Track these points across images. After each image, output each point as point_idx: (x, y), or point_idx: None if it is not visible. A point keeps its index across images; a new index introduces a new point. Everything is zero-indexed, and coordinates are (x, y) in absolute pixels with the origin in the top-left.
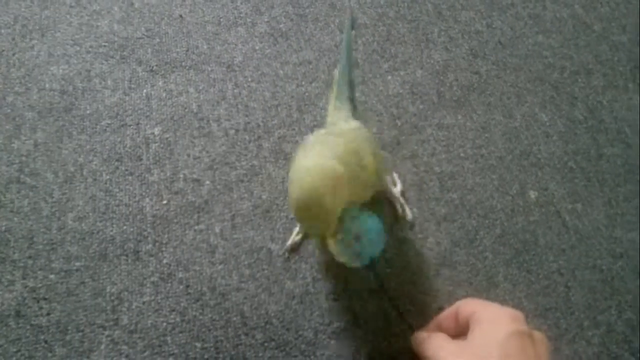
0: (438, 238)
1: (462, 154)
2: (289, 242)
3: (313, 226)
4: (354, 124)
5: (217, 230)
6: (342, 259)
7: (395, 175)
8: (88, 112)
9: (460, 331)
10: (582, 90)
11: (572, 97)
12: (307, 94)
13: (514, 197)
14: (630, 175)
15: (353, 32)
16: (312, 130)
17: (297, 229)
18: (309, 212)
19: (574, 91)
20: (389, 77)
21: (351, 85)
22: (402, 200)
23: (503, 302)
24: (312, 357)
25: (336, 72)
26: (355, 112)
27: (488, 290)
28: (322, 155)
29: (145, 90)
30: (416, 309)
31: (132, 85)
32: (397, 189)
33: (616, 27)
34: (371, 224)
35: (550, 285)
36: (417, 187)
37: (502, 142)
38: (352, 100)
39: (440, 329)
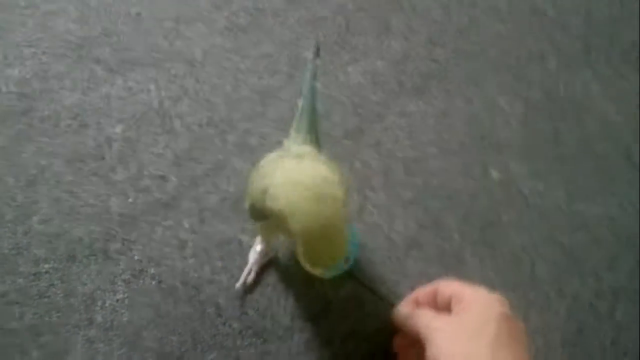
0: (405, 221)
1: (424, 140)
2: (242, 280)
3: (326, 252)
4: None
5: (186, 225)
6: (321, 273)
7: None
8: (47, 113)
9: (438, 309)
10: (537, 74)
11: (529, 80)
12: (269, 86)
13: (476, 179)
14: (587, 153)
15: (318, 60)
16: (275, 123)
17: (250, 262)
18: (331, 238)
19: (530, 75)
20: (350, 68)
21: (313, 120)
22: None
23: (472, 278)
24: (289, 341)
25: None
26: (316, 147)
27: (457, 268)
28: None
29: (104, 90)
30: (388, 290)
31: (91, 85)
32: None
33: (569, 11)
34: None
35: (515, 260)
36: (383, 174)
37: (462, 127)
38: (313, 134)
39: (417, 305)
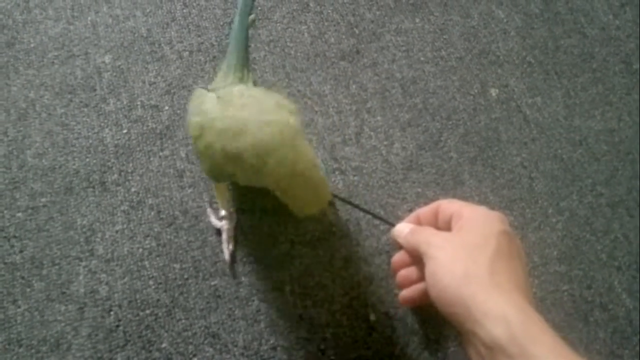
0: (403, 143)
1: (422, 58)
2: (227, 255)
3: (308, 195)
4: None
5: (182, 154)
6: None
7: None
8: (32, 45)
9: (439, 228)
10: None
11: None
12: (260, 8)
13: (475, 96)
14: (587, 65)
15: None
16: (268, 46)
17: (224, 237)
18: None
19: None
20: None
21: (244, 54)
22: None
23: (470, 198)
24: (289, 267)
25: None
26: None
27: (455, 189)
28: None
29: (89, 18)
30: (386, 212)
31: (75, 14)
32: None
33: None
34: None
35: (514, 178)
36: (380, 95)
37: (460, 43)
38: (246, 69)
39: (418, 223)
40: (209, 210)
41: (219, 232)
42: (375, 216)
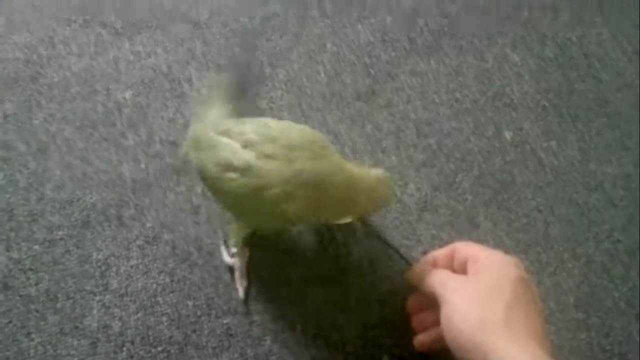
0: (418, 184)
1: (436, 100)
2: (242, 292)
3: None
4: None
5: (198, 190)
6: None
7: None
8: (55, 80)
9: (455, 271)
10: (551, 28)
11: (542, 35)
12: (277, 47)
13: (489, 139)
14: (602, 110)
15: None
16: (285, 85)
17: (237, 275)
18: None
19: (543, 29)
20: (359, 26)
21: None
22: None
23: (485, 241)
24: (303, 305)
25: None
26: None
27: (470, 231)
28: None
29: (112, 54)
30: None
31: (98, 50)
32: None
33: None
34: None
35: (529, 222)
36: (394, 135)
37: (475, 85)
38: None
39: (434, 266)
40: (222, 247)
41: (231, 269)
42: (396, 251)
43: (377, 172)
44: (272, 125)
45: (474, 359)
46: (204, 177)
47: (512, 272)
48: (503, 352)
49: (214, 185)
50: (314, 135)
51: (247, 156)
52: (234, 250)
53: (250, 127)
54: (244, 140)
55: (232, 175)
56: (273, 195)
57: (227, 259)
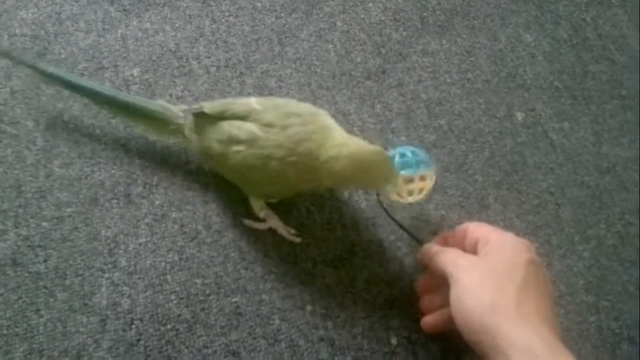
0: None
1: (448, 80)
2: (297, 239)
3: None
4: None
5: (207, 169)
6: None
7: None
8: (63, 56)
9: (466, 251)
10: (565, 8)
11: (556, 15)
12: (287, 25)
13: (501, 120)
14: (615, 91)
15: None
16: (295, 64)
17: (281, 231)
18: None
19: (557, 9)
20: (370, 4)
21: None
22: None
23: (495, 222)
24: (311, 286)
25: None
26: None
27: (480, 213)
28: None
29: (120, 31)
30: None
31: (106, 26)
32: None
33: None
34: None
35: (540, 203)
36: (405, 116)
37: (487, 65)
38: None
39: (445, 245)
40: (246, 221)
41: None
42: (407, 231)
43: (361, 146)
44: (277, 98)
45: (483, 341)
46: (210, 156)
47: (523, 254)
48: (513, 335)
49: (220, 162)
50: (318, 111)
51: (251, 127)
52: (261, 214)
53: (255, 98)
54: (247, 110)
55: (239, 147)
56: (276, 163)
57: (260, 225)
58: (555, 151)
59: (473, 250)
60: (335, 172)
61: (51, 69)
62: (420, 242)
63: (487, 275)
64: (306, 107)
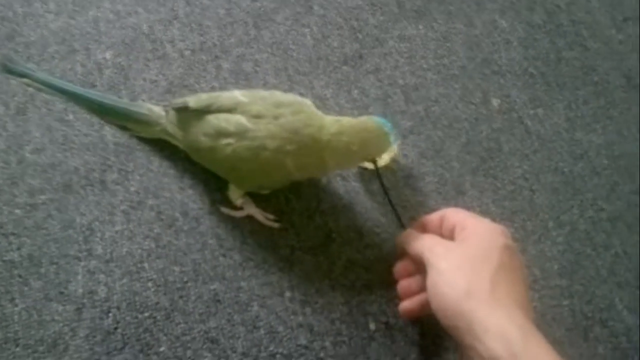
0: (405, 151)
1: (424, 65)
2: (276, 224)
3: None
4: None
5: (183, 155)
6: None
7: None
8: (33, 39)
9: (443, 236)
10: None
11: (531, 1)
12: (262, 8)
13: (477, 106)
14: (588, 78)
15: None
16: (271, 48)
17: (260, 217)
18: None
19: None
20: None
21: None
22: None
23: (471, 208)
24: (289, 273)
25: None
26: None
27: (456, 198)
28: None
29: (91, 13)
30: (387, 220)
31: (77, 8)
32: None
33: None
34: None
35: (515, 189)
36: (382, 102)
37: (463, 51)
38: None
39: (424, 231)
40: (224, 209)
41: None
42: (396, 213)
43: (357, 119)
44: (261, 90)
45: (459, 326)
46: (197, 150)
47: (498, 240)
48: (487, 320)
49: (207, 155)
50: (302, 99)
51: (240, 119)
52: (239, 202)
53: (239, 91)
54: (233, 103)
55: (228, 140)
56: (269, 153)
57: (238, 213)
58: (530, 137)
59: (450, 235)
60: (341, 148)
61: (38, 73)
62: (403, 225)
63: (462, 260)
64: (292, 97)
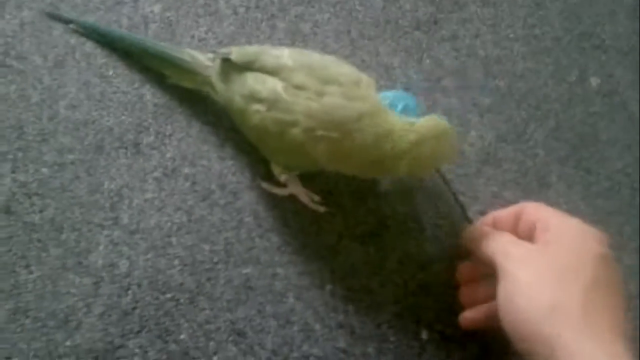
0: (481, 132)
1: (511, 35)
2: (321, 208)
3: None
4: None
5: (226, 123)
6: None
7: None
8: None
9: (519, 237)
10: None
11: None
12: None
13: (572, 85)
14: None
15: None
16: (334, 8)
17: (304, 199)
18: None
19: None
20: None
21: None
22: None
23: (556, 205)
24: (333, 263)
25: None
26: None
27: (539, 192)
28: None
29: None
30: (452, 211)
31: None
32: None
33: None
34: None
35: (612, 186)
36: (458, 74)
37: (559, 21)
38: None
39: (495, 227)
40: (264, 184)
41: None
42: (460, 204)
43: (431, 122)
44: (314, 55)
45: (537, 350)
46: (230, 110)
47: (592, 247)
48: (576, 346)
49: (239, 119)
50: (360, 77)
51: (276, 86)
52: (282, 178)
53: (288, 51)
54: (277, 65)
55: (258, 107)
56: (297, 133)
57: (281, 190)
58: (634, 125)
59: (528, 236)
60: (422, 159)
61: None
62: (470, 220)
63: (546, 270)
64: (348, 73)
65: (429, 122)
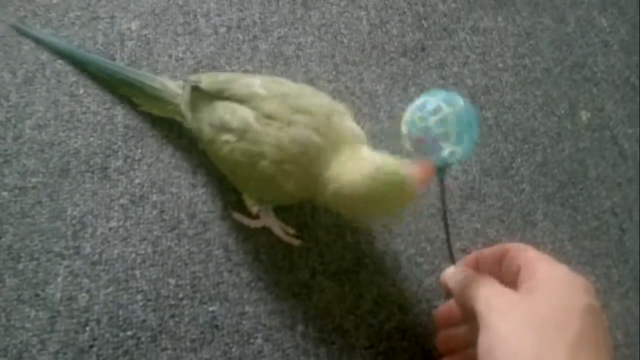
0: (465, 165)
1: (500, 65)
2: (296, 241)
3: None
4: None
5: (200, 147)
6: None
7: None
8: (54, 1)
9: (502, 279)
10: None
11: None
12: None
13: (561, 118)
14: None
15: None
16: (319, 31)
17: (279, 232)
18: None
19: None
20: None
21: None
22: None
23: (541, 245)
24: (306, 302)
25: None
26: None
27: (524, 230)
28: None
29: None
30: (433, 249)
31: None
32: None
33: None
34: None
35: (600, 226)
36: None
37: (550, 52)
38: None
39: (476, 269)
40: (236, 215)
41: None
42: (448, 242)
43: (401, 166)
44: (289, 83)
45: None
46: (200, 140)
47: (580, 298)
48: None
49: (209, 149)
50: (334, 109)
51: (247, 115)
52: (255, 210)
53: (261, 79)
54: (248, 93)
55: (228, 137)
56: (268, 165)
57: (253, 222)
58: (625, 162)
59: (511, 279)
60: (359, 200)
61: (51, 37)
62: (454, 261)
63: (530, 322)
64: (321, 104)
65: (386, 167)
